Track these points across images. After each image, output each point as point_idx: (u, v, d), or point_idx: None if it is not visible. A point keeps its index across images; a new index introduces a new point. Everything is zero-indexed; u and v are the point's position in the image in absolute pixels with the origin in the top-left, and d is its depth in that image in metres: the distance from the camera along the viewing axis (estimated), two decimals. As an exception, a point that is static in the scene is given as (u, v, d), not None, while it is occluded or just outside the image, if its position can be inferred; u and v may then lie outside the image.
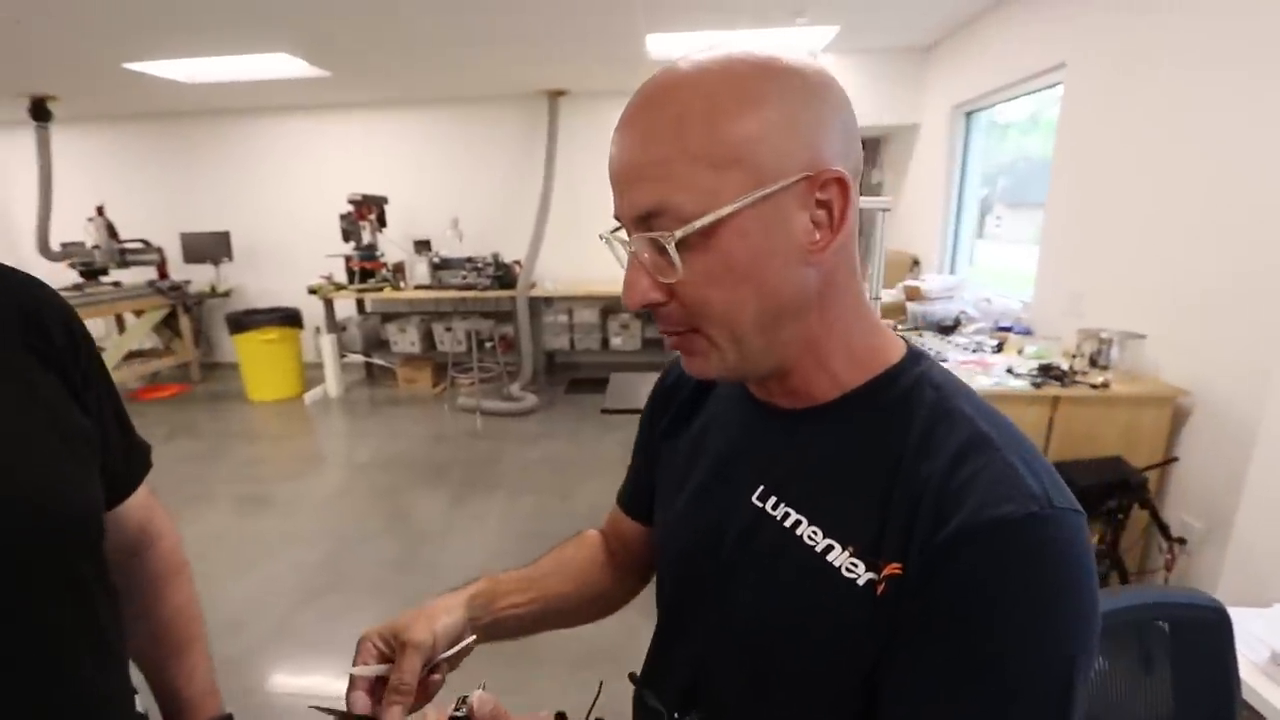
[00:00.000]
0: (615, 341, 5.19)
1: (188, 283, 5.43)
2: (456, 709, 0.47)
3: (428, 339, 5.37)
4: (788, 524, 0.50)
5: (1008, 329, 2.89)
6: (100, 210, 5.01)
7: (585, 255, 5.40)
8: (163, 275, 5.33)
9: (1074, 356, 2.29)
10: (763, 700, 0.52)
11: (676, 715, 0.52)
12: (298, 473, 3.75)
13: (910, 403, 0.48)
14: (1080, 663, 0.40)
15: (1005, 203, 4.05)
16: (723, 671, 0.56)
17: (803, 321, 0.48)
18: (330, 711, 0.50)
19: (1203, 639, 0.82)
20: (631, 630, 2.18)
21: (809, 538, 0.49)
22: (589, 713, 0.63)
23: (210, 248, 5.45)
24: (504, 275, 4.96)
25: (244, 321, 4.82)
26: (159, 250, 5.25)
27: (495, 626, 0.63)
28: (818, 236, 0.45)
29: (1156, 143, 2.18)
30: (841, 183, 0.44)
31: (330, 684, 2.05)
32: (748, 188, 0.43)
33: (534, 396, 4.66)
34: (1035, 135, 3.81)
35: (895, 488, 0.45)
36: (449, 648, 0.56)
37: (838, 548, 0.47)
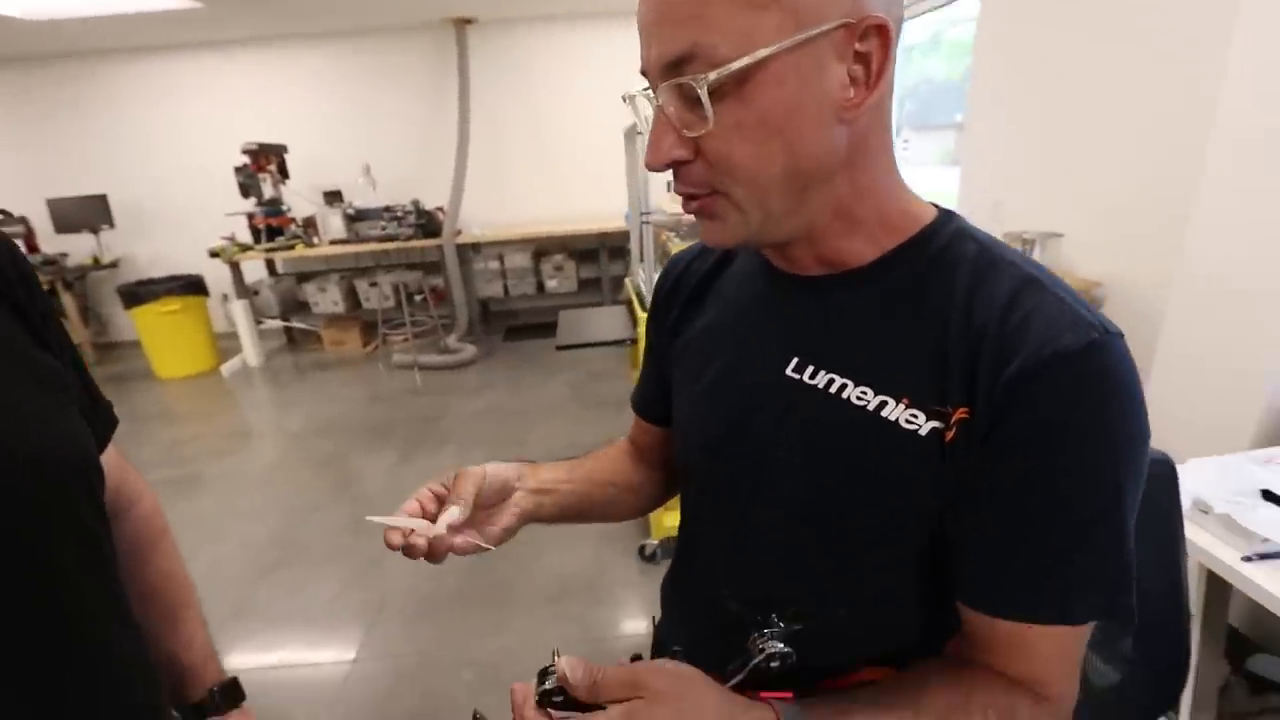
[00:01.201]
0: (550, 284, 5.08)
1: (64, 256, 4.87)
2: (542, 682, 0.43)
3: (351, 297, 5.08)
4: (832, 390, 0.50)
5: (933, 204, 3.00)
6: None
7: (513, 197, 5.20)
8: (32, 249, 4.75)
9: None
10: (810, 572, 0.53)
11: (760, 618, 0.52)
12: (228, 449, 3.53)
13: (951, 257, 0.49)
14: (1144, 475, 0.44)
15: (912, 126, 4.14)
16: (765, 554, 0.56)
17: (830, 184, 0.47)
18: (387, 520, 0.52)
19: (1153, 489, 0.89)
20: (603, 564, 2.23)
21: (857, 398, 0.49)
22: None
23: (85, 214, 4.86)
24: (427, 223, 4.71)
25: (139, 293, 4.40)
26: (23, 220, 4.65)
27: (545, 494, 0.63)
28: (852, 93, 0.43)
29: (1070, 51, 2.25)
30: (883, 32, 0.42)
31: (298, 654, 2.00)
32: (786, 30, 0.40)
33: (472, 347, 4.53)
34: (936, 57, 3.88)
35: (949, 338, 0.46)
36: (496, 489, 0.59)
37: (892, 402, 0.47)
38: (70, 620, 0.47)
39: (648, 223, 2.05)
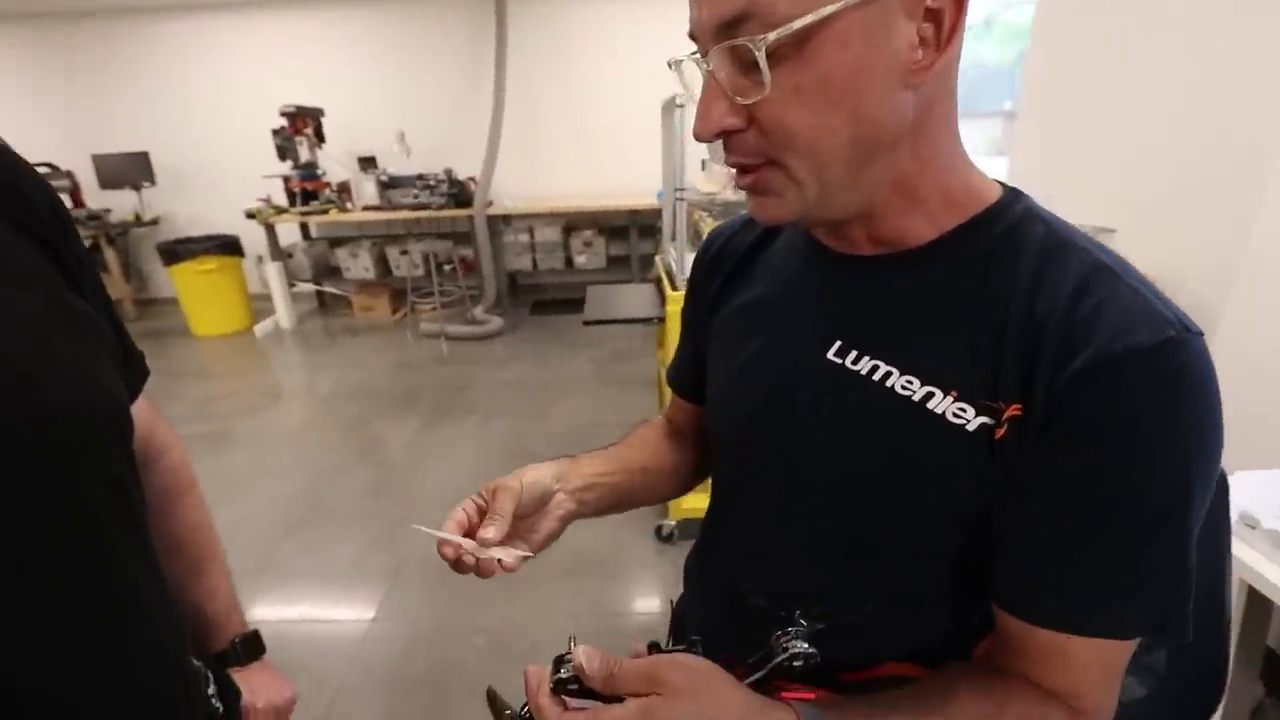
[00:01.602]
0: (579, 260, 5.05)
1: (107, 211, 4.98)
2: (558, 670, 0.42)
3: (382, 264, 5.12)
4: (876, 377, 0.47)
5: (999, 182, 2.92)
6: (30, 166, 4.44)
7: (544, 170, 5.17)
8: (77, 203, 4.87)
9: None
10: (839, 563, 0.51)
11: (784, 614, 0.50)
12: (259, 408, 3.61)
13: (1017, 240, 0.45)
14: (1212, 485, 0.41)
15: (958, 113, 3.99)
16: (797, 549, 0.54)
17: (894, 155, 0.43)
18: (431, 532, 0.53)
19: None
20: (619, 542, 2.24)
21: (902, 388, 0.46)
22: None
23: (128, 171, 4.96)
24: (459, 193, 4.70)
25: (178, 251, 4.48)
26: (69, 175, 4.76)
27: (586, 491, 0.62)
28: (920, 55, 0.39)
29: (1131, 37, 2.13)
30: None
31: (319, 611, 2.05)
32: None
33: (499, 319, 4.55)
34: (989, 41, 3.72)
35: (1008, 327, 0.43)
36: (535, 498, 0.58)
37: (939, 394, 0.44)
38: (99, 565, 0.47)
39: (682, 199, 2.01)
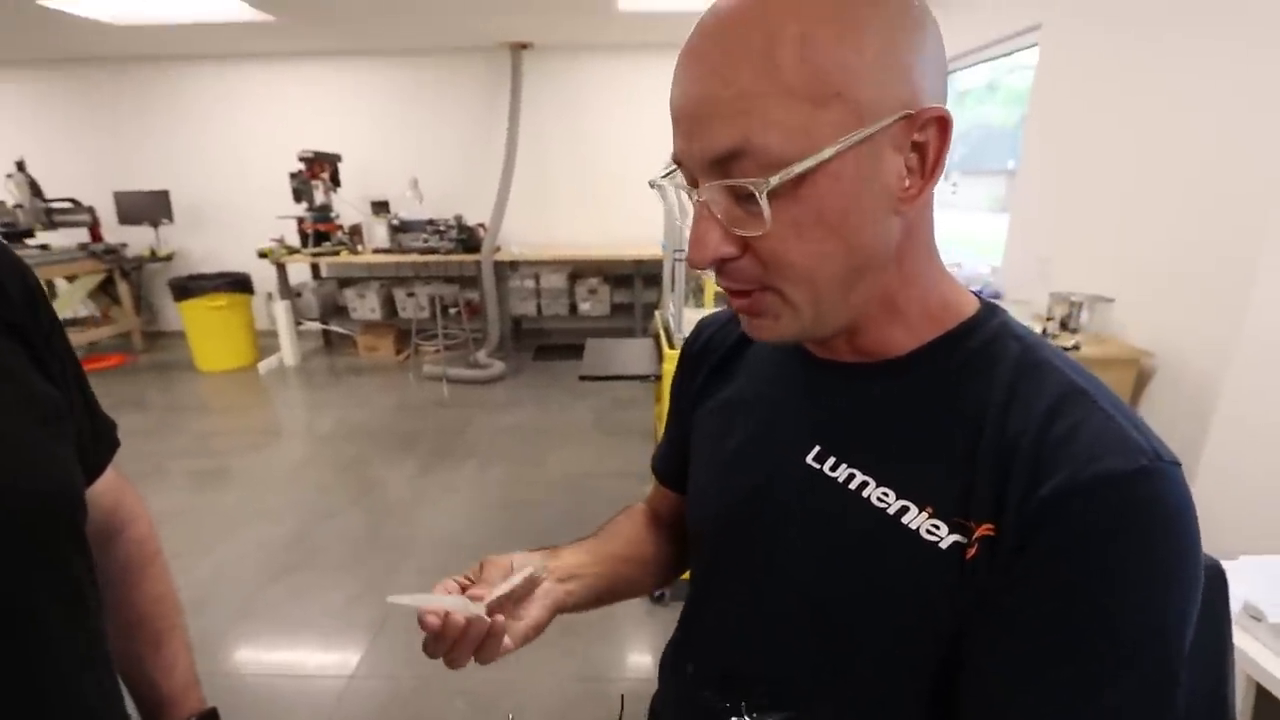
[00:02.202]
0: (584, 307, 5.10)
1: (124, 246, 5.08)
2: None
3: (389, 305, 5.18)
4: (852, 485, 0.47)
5: (977, 294, 2.93)
6: (20, 165, 4.60)
7: (552, 218, 5.27)
8: (96, 238, 4.97)
9: (1047, 319, 2.33)
10: (808, 666, 0.50)
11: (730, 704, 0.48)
12: (256, 445, 3.60)
13: (992, 355, 0.46)
14: (1190, 624, 0.39)
15: (962, 170, 4.08)
16: (770, 645, 0.53)
17: (883, 275, 0.44)
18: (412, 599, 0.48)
19: (1203, 596, 0.83)
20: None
21: (878, 499, 0.46)
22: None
23: (148, 208, 5.09)
24: (467, 239, 4.79)
25: (189, 287, 4.55)
26: (90, 210, 4.88)
27: (571, 581, 0.60)
28: (908, 183, 0.41)
29: (1128, 107, 2.19)
30: (943, 123, 0.40)
31: (300, 660, 2.00)
32: (847, 126, 0.38)
33: (501, 364, 4.57)
34: (992, 103, 3.84)
35: (980, 445, 0.42)
36: (525, 578, 0.54)
37: (914, 509, 0.44)
38: (37, 664, 0.46)
39: (681, 260, 2.04)
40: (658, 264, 4.81)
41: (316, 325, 5.16)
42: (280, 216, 4.78)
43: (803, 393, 0.54)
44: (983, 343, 0.46)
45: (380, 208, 4.91)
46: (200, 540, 2.60)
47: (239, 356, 4.77)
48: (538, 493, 2.97)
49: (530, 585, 0.56)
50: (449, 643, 0.48)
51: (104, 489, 0.64)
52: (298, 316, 4.92)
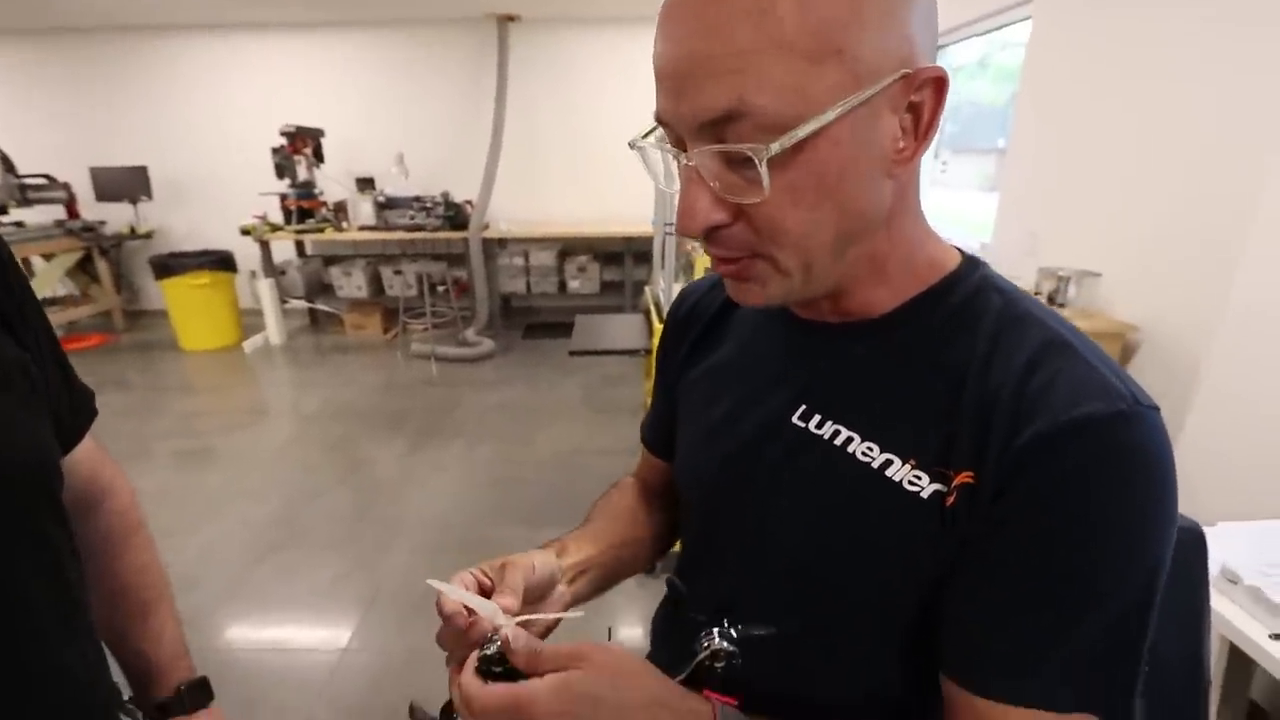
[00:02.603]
0: (573, 285, 5.07)
1: (102, 223, 4.97)
2: (485, 647, 0.43)
3: (375, 283, 5.12)
4: (837, 442, 0.48)
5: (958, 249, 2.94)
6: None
7: (541, 195, 5.21)
8: (73, 214, 4.85)
9: (1035, 294, 2.34)
10: (806, 628, 0.50)
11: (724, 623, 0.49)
12: (242, 425, 3.57)
13: (974, 309, 0.46)
14: (1164, 567, 0.40)
15: (952, 149, 4.06)
16: (761, 601, 0.53)
17: (873, 238, 0.44)
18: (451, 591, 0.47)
19: (1178, 555, 0.84)
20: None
21: (863, 454, 0.46)
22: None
23: (126, 184, 4.97)
24: (455, 216, 4.73)
25: (171, 265, 4.47)
26: (66, 186, 4.76)
27: (578, 580, 0.60)
28: (902, 145, 0.40)
29: (1120, 83, 2.18)
30: (939, 83, 0.39)
31: (290, 637, 2.00)
32: (847, 87, 0.36)
33: (490, 342, 4.54)
34: (983, 79, 3.81)
35: (962, 397, 0.43)
36: (544, 580, 0.54)
37: (897, 462, 0.45)
38: (16, 631, 0.45)
39: (671, 233, 2.02)
40: (648, 241, 4.77)
41: (302, 304, 5.09)
42: (263, 193, 4.69)
43: (787, 354, 0.54)
44: (964, 298, 0.47)
45: (365, 184, 4.83)
46: (186, 520, 2.58)
47: (223, 335, 4.71)
48: (527, 470, 2.97)
49: (549, 585, 0.56)
50: (468, 646, 0.45)
51: (81, 458, 0.63)
52: (283, 295, 4.85)
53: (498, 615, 0.45)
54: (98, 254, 4.91)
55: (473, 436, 3.34)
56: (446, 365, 4.34)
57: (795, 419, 0.50)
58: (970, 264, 0.49)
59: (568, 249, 5.16)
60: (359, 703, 1.76)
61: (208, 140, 5.17)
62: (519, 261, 5.05)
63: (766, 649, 0.48)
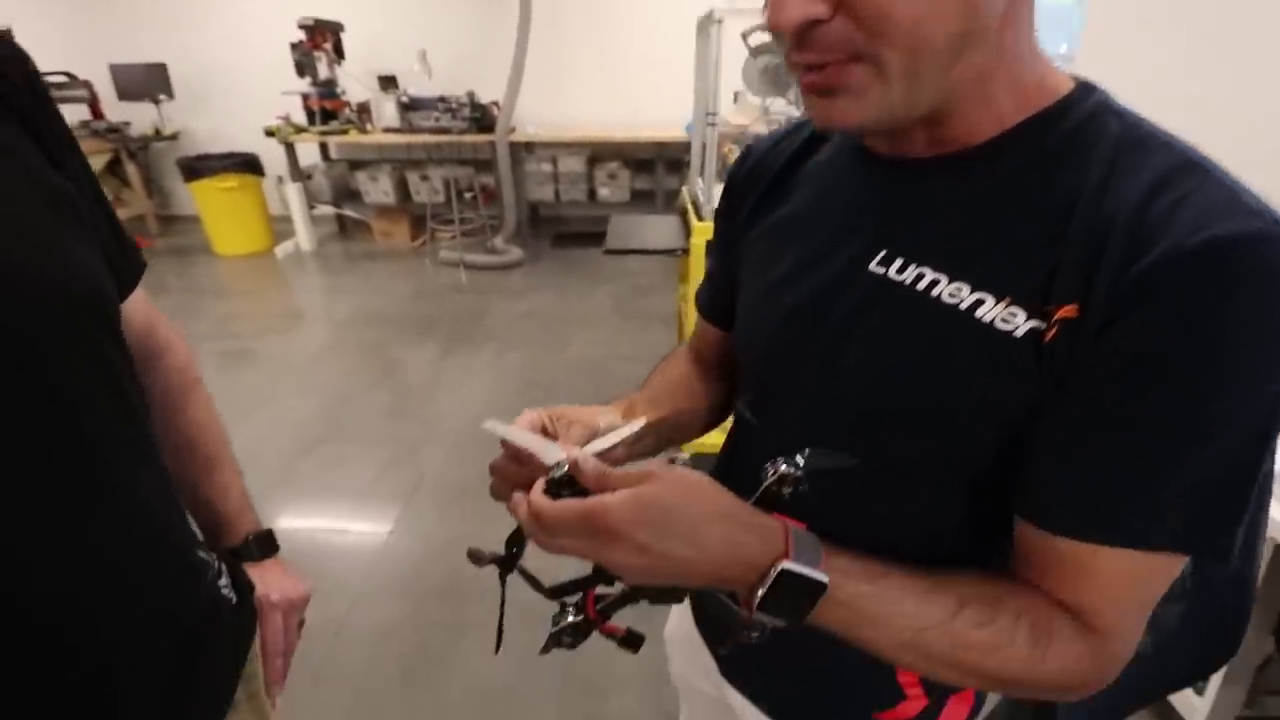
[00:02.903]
0: (603, 193, 4.93)
1: (127, 124, 4.91)
2: (552, 472, 0.43)
3: (402, 189, 5.04)
4: (920, 286, 0.44)
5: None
6: (6, 35, 4.34)
7: (570, 97, 4.97)
8: (97, 115, 4.80)
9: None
10: (873, 471, 0.49)
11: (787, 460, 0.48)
12: (279, 329, 3.64)
13: (1089, 135, 0.41)
14: None
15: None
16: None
17: (984, 47, 0.39)
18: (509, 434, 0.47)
19: None
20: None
21: (949, 295, 0.43)
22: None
23: (146, 83, 4.85)
24: (481, 117, 4.56)
25: (198, 168, 4.43)
26: (87, 85, 4.67)
27: (639, 442, 0.58)
28: None
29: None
30: None
31: (342, 520, 2.11)
32: None
33: (519, 250, 4.49)
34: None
35: (1071, 226, 0.39)
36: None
37: (989, 300, 0.41)
38: (89, 457, 0.46)
39: (714, 124, 1.91)
40: (681, 147, 4.58)
41: (330, 210, 5.06)
42: (285, 92, 4.55)
43: (867, 198, 0.50)
44: (1079, 122, 0.42)
45: (388, 83, 4.65)
46: (231, 415, 2.64)
47: (255, 241, 4.72)
48: (558, 375, 3.00)
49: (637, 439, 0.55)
50: (531, 476, 0.44)
51: (136, 310, 0.63)
52: (310, 200, 4.81)
53: (559, 453, 0.44)
54: (126, 157, 4.88)
55: (503, 343, 3.36)
56: (475, 273, 4.32)
57: (873, 266, 0.47)
58: (1085, 88, 0.44)
59: (597, 155, 4.98)
60: (404, 582, 1.87)
61: (226, 34, 4.97)
62: (547, 168, 4.90)
63: (831, 485, 0.47)
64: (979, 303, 0.42)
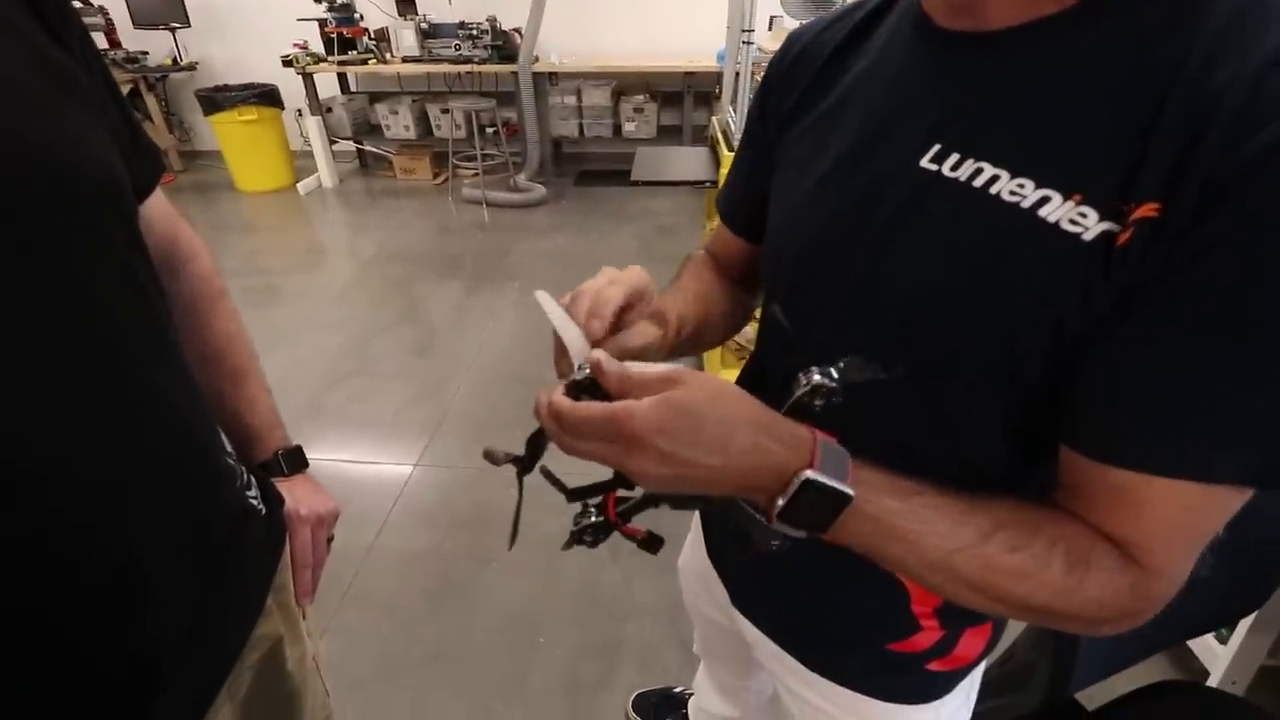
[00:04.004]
0: (628, 128, 4.75)
1: (145, 54, 4.82)
2: (574, 374, 0.41)
3: (423, 123, 4.92)
4: (978, 183, 0.40)
5: None
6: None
7: (595, 23, 4.75)
8: (114, 43, 4.71)
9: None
10: (912, 386, 0.45)
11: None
12: (304, 265, 3.64)
13: (1195, 2, 0.35)
14: None
15: None
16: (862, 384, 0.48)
17: None
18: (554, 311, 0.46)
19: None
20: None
21: (1010, 193, 0.38)
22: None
23: (161, 8, 4.72)
24: (503, 46, 4.39)
25: (217, 99, 4.35)
26: (102, 10, 4.57)
27: (671, 333, 0.56)
28: None
29: None
30: None
31: (371, 450, 2.14)
32: None
33: (542, 188, 4.39)
34: None
35: (1167, 106, 0.33)
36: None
37: (1056, 198, 0.37)
38: (110, 351, 0.43)
39: (749, 42, 1.79)
40: (711, 79, 4.38)
41: (351, 145, 4.97)
42: (301, 19, 4.41)
43: (923, 82, 0.45)
44: None
45: (406, 7, 4.48)
46: (261, 346, 2.69)
47: (277, 177, 4.68)
48: (583, 314, 2.96)
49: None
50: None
51: (156, 214, 0.60)
52: (330, 135, 4.73)
53: (585, 346, 0.43)
54: (145, 89, 4.81)
55: (527, 281, 3.32)
56: (498, 211, 4.25)
57: (925, 162, 0.43)
58: None
59: (623, 87, 4.78)
60: (428, 514, 1.90)
61: (239, -43, 4.80)
62: (571, 101, 4.73)
63: (864, 401, 0.44)
64: (1043, 201, 0.37)
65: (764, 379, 0.60)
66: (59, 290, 0.40)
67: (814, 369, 0.43)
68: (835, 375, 0.43)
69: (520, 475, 0.49)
